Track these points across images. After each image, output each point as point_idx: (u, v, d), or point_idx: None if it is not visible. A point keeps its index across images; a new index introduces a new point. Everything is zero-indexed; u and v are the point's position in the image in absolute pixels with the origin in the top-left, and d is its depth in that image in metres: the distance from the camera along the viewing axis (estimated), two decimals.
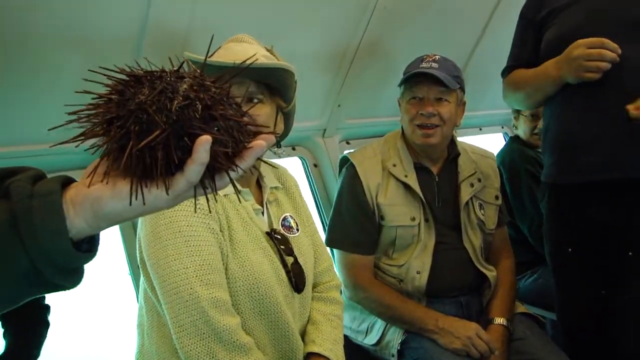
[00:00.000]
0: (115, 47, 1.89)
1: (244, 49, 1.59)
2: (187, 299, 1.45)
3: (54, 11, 1.77)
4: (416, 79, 2.20)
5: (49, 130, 0.71)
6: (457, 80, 2.23)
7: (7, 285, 0.68)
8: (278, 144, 1.73)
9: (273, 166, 1.89)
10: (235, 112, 0.73)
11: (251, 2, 2.18)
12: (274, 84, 1.59)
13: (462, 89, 2.29)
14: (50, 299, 2.04)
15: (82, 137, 0.69)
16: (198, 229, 1.51)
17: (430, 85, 2.18)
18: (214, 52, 1.54)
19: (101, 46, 1.86)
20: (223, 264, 1.54)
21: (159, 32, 1.95)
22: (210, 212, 1.53)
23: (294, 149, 2.88)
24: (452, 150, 2.36)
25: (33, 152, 1.88)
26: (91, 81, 0.70)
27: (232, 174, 0.72)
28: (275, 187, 1.82)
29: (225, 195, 1.62)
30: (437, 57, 2.25)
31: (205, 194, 0.73)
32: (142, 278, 1.62)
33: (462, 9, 3.02)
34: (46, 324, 2.00)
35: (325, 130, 2.89)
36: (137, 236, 1.59)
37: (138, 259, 1.59)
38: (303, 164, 2.94)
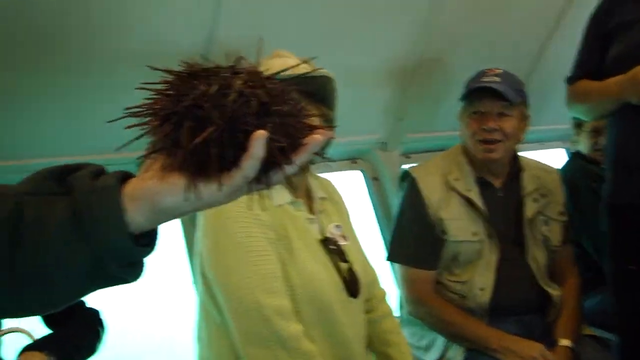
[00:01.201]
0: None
1: (284, 62, 1.62)
2: (251, 308, 1.48)
3: (123, 28, 1.85)
4: (478, 94, 2.18)
5: (108, 122, 0.72)
6: (520, 94, 2.20)
7: (70, 279, 0.70)
8: (322, 154, 1.75)
9: (319, 178, 1.93)
10: (291, 108, 0.73)
11: (314, 19, 2.22)
12: (318, 92, 1.62)
13: (526, 103, 2.25)
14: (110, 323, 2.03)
15: (144, 133, 0.70)
16: (257, 240, 1.55)
17: (492, 99, 2.15)
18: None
19: (166, 62, 1.91)
20: (282, 273, 1.57)
21: (223, 49, 1.99)
22: (264, 209, 1.57)
23: (354, 162, 2.89)
24: (515, 165, 2.32)
25: (100, 162, 1.94)
26: (151, 86, 0.71)
27: (288, 169, 0.72)
28: (323, 198, 1.85)
29: (279, 205, 1.65)
30: (499, 70, 2.22)
31: (260, 190, 0.73)
32: (199, 291, 1.66)
33: (524, 20, 2.98)
34: (88, 351, 1.94)
35: (385, 143, 2.89)
36: (197, 252, 1.63)
37: (199, 272, 1.62)
38: (364, 177, 2.94)
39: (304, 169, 1.70)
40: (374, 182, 2.91)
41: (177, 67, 0.72)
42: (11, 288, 0.70)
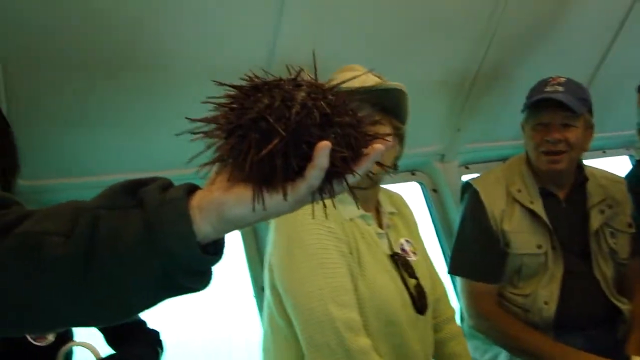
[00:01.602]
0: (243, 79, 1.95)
1: (354, 76, 1.62)
2: (322, 320, 1.48)
3: (189, 46, 1.88)
4: (541, 104, 2.13)
5: (176, 135, 0.74)
6: (585, 103, 2.14)
7: (142, 289, 0.73)
8: (395, 167, 1.75)
9: (389, 192, 1.92)
10: (352, 119, 0.74)
11: (374, 32, 2.22)
12: (390, 104, 1.62)
13: (590, 112, 2.19)
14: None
15: (211, 145, 0.72)
16: (330, 252, 1.55)
17: (555, 110, 2.10)
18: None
19: (230, 77, 1.93)
20: (353, 286, 1.57)
21: (285, 63, 2.01)
22: (326, 217, 1.56)
23: (413, 174, 2.87)
24: (580, 175, 2.26)
25: (172, 178, 1.98)
26: (216, 100, 0.73)
27: (350, 179, 0.73)
28: (392, 213, 1.84)
29: (350, 219, 1.65)
30: (562, 79, 2.16)
31: (323, 199, 0.74)
32: (267, 303, 1.66)
33: (585, 27, 2.92)
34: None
35: (444, 155, 2.86)
36: (268, 262, 1.63)
37: (268, 284, 1.63)
38: (422, 189, 2.92)
39: (375, 182, 1.70)
40: (433, 194, 2.88)
41: (240, 82, 0.73)
42: (85, 299, 0.72)
